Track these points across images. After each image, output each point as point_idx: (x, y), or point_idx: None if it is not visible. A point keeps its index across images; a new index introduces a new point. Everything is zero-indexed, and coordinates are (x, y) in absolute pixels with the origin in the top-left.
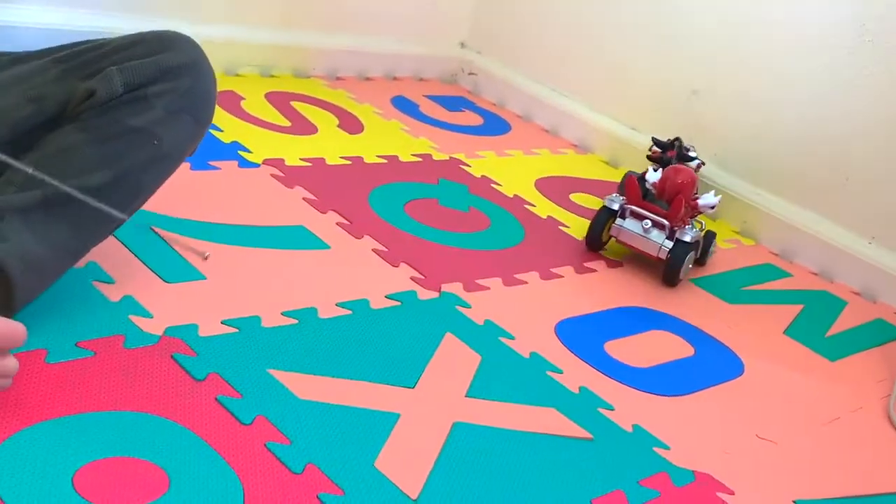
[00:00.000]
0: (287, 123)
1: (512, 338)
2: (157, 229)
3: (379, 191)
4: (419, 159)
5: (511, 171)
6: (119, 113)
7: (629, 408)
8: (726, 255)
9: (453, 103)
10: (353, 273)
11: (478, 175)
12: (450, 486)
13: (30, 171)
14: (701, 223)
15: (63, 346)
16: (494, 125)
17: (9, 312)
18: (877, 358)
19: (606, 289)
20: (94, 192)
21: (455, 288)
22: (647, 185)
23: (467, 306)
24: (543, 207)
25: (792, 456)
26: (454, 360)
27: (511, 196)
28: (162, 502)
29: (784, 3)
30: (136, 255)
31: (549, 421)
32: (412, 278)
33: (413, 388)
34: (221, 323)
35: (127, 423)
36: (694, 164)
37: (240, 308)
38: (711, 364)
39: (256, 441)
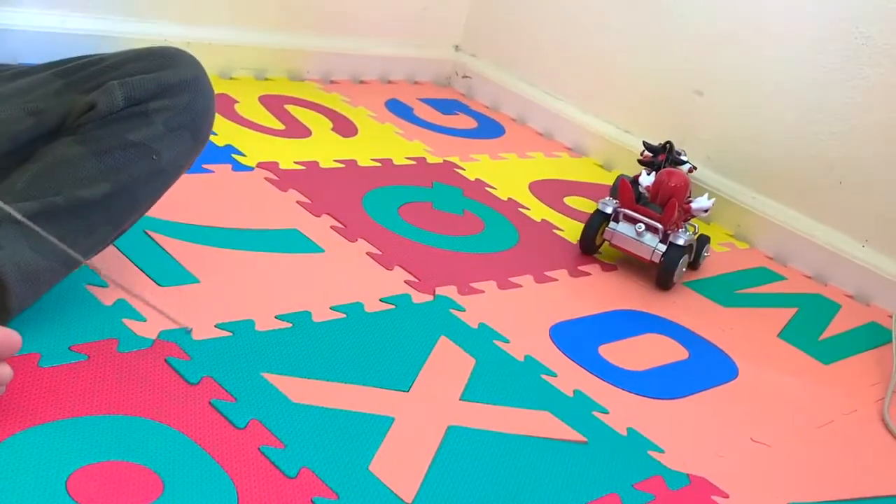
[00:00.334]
0: (281, 127)
1: (506, 341)
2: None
3: (373, 194)
4: (413, 162)
5: (505, 174)
6: (119, 127)
7: (623, 411)
8: (720, 259)
9: (447, 106)
10: (347, 276)
11: (472, 178)
12: (444, 490)
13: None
14: (694, 227)
15: (56, 350)
16: (488, 128)
17: (3, 320)
18: (870, 361)
19: (601, 292)
20: (92, 203)
21: (449, 291)
22: (641, 189)
23: (462, 309)
24: (537, 210)
25: (786, 459)
26: (448, 364)
27: (505, 199)
28: None
29: (778, 7)
30: (129, 259)
31: (543, 424)
32: (406, 282)
33: (407, 391)
34: (215, 326)
35: (121, 426)
36: (685, 167)
37: (234, 312)
38: (706, 367)
39: (250, 445)
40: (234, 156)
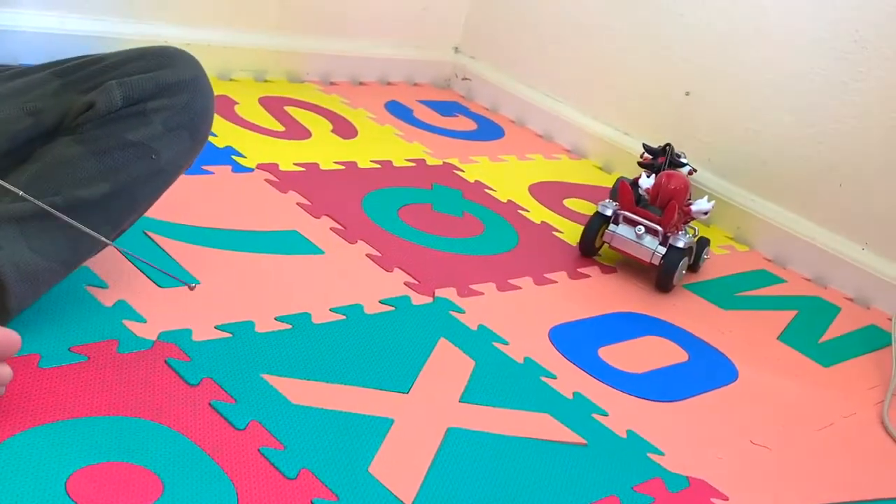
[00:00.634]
0: (281, 128)
1: (506, 343)
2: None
3: (372, 196)
4: (413, 164)
5: (505, 176)
6: (117, 127)
7: (623, 413)
8: (720, 261)
9: (447, 108)
10: (346, 278)
11: (471, 180)
12: (444, 492)
13: (20, 193)
14: (694, 229)
15: (56, 351)
16: (488, 130)
17: (2, 321)
18: (870, 364)
19: (600, 294)
20: (91, 203)
21: (449, 293)
22: (641, 191)
23: (461, 311)
24: (537, 213)
25: (785, 461)
26: (448, 366)
27: (505, 201)
28: None
29: (778, 9)
30: (129, 260)
31: (542, 426)
32: (406, 283)
33: (407, 393)
34: (215, 328)
35: (120, 427)
36: (685, 170)
37: (233, 313)
38: (705, 370)
39: (250, 446)
40: (233, 157)
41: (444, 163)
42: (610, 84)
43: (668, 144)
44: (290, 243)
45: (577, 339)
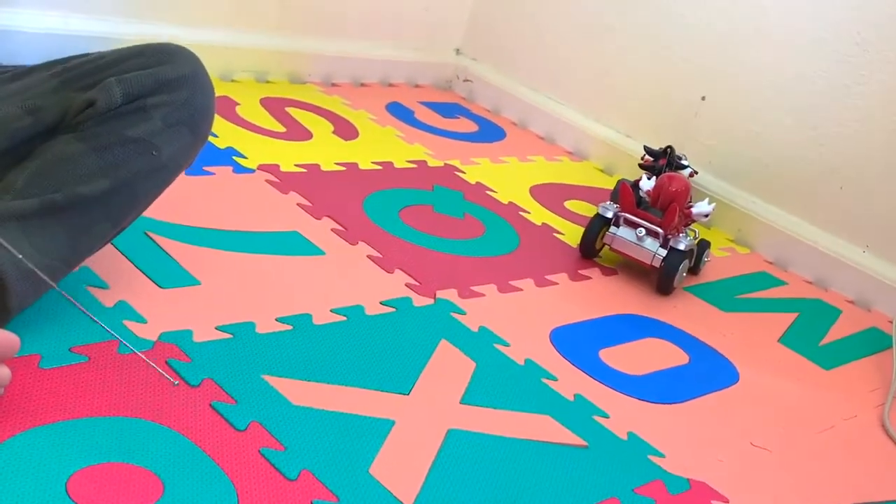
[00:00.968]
0: (282, 129)
1: (507, 345)
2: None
3: (374, 197)
4: (414, 166)
5: (506, 177)
6: (117, 123)
7: (624, 415)
8: (721, 263)
9: (448, 110)
10: (347, 279)
11: (472, 182)
12: (444, 493)
13: None
14: (695, 231)
15: (57, 352)
16: (489, 132)
17: (3, 320)
18: (871, 366)
19: (601, 296)
20: (92, 200)
21: (450, 294)
22: (641, 193)
23: (462, 313)
24: (538, 214)
25: (786, 464)
26: (449, 367)
27: (506, 203)
28: None
29: (779, 12)
30: (130, 261)
31: (543, 428)
32: (407, 285)
33: (408, 394)
34: (216, 329)
35: (121, 428)
36: (686, 172)
37: (234, 314)
38: (706, 372)
39: (251, 447)
40: (235, 158)
41: (445, 164)
42: (611, 86)
43: (669, 146)
44: (291, 244)
45: (578, 341)
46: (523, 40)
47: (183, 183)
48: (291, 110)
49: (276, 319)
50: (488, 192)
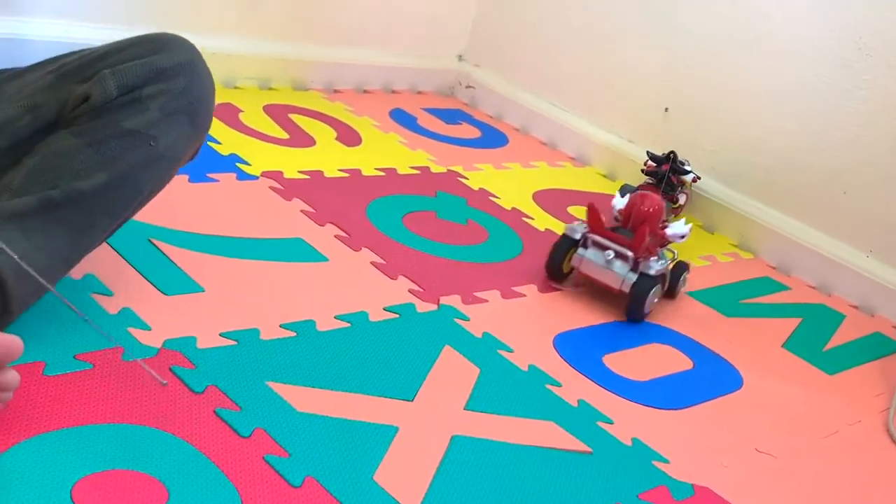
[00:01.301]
0: (285, 136)
1: (510, 350)
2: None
3: (377, 203)
4: (417, 172)
5: (509, 183)
6: (114, 116)
7: (628, 421)
8: (724, 268)
9: (451, 116)
10: (351, 286)
11: (476, 188)
12: (449, 500)
13: None
14: (673, 252)
15: (61, 359)
16: (492, 138)
17: (3, 324)
18: (875, 371)
19: (605, 302)
20: (90, 194)
21: (453, 300)
22: (614, 213)
23: (466, 319)
24: (541, 220)
25: (791, 469)
26: (453, 373)
27: (509, 209)
28: None
29: (781, 17)
30: (134, 267)
31: (548, 434)
32: (411, 291)
33: (412, 400)
34: (220, 335)
35: (125, 435)
36: (689, 177)
37: (238, 320)
38: (710, 377)
39: (255, 454)
40: (238, 165)
41: (448, 170)
42: (613, 92)
43: (672, 152)
44: (295, 251)
45: (582, 347)
46: (525, 47)
47: (187, 190)
48: (295, 117)
49: (280, 326)
50: (491, 198)
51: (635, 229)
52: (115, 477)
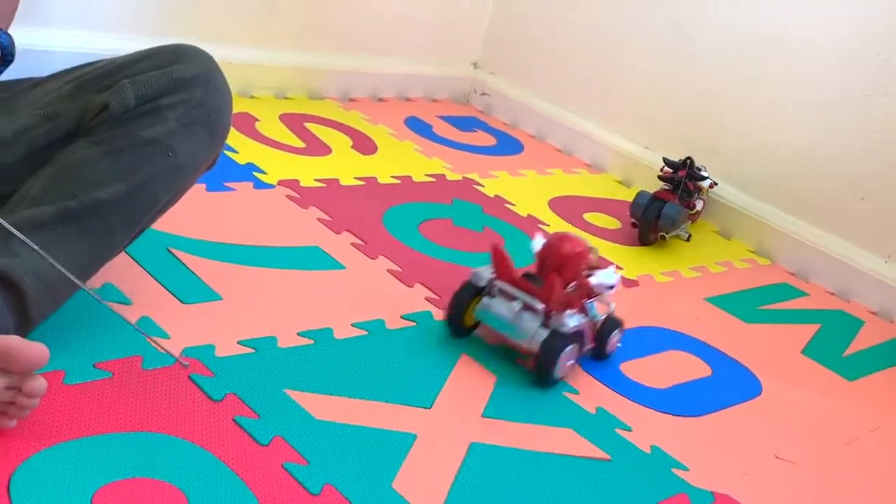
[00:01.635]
0: (301, 145)
1: (527, 358)
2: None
3: (393, 211)
4: (433, 179)
5: (524, 190)
6: (132, 125)
7: (647, 428)
8: (742, 275)
9: (466, 123)
10: (368, 293)
11: (491, 195)
12: None
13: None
14: (609, 305)
15: (81, 368)
16: (507, 145)
17: (24, 331)
18: (895, 377)
19: (622, 308)
20: (108, 204)
21: None
22: (534, 255)
23: None
24: (557, 227)
25: (811, 477)
26: (470, 381)
27: (525, 216)
28: None
29: (799, 23)
30: (152, 276)
31: (566, 441)
32: (427, 298)
33: (429, 408)
34: (238, 343)
35: (145, 443)
36: (706, 183)
37: (256, 328)
38: (729, 384)
39: (274, 461)
40: (255, 174)
41: (463, 178)
42: (629, 98)
43: (688, 158)
44: (312, 259)
45: None
46: (540, 54)
47: (204, 199)
48: (311, 126)
49: (298, 334)
50: (507, 206)
51: (555, 275)
52: (135, 485)
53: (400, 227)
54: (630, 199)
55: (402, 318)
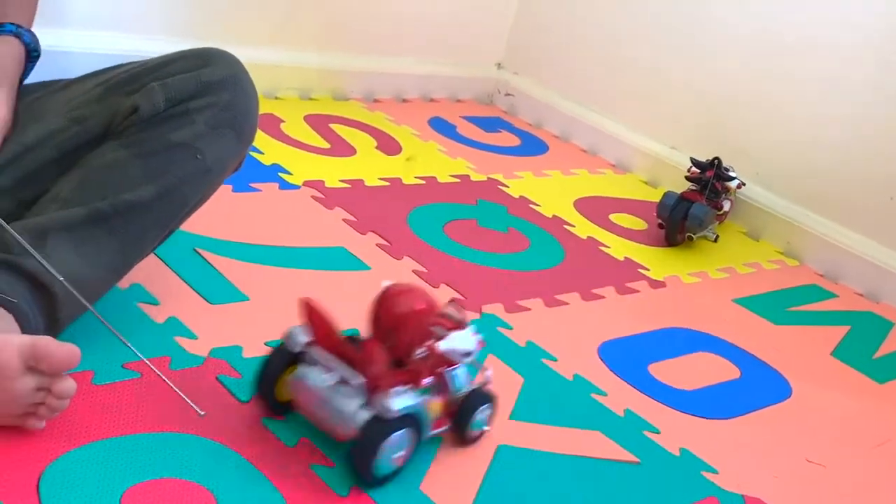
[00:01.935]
0: (326, 145)
1: (554, 359)
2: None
3: (418, 212)
4: (457, 180)
5: (549, 191)
6: (162, 128)
7: (675, 431)
8: (770, 276)
9: (490, 124)
10: None
11: (516, 195)
12: None
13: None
14: (486, 372)
15: (110, 368)
16: (532, 145)
17: (53, 332)
18: None
19: (649, 310)
20: (138, 206)
21: (496, 309)
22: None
23: (509, 327)
24: (583, 228)
25: (842, 479)
26: (497, 382)
27: (550, 216)
28: None
29: (826, 20)
30: (180, 277)
31: (594, 444)
32: (453, 299)
33: None
34: (265, 344)
35: (173, 444)
36: (734, 183)
37: (283, 329)
38: (758, 386)
39: (301, 463)
40: (280, 174)
41: (488, 178)
42: (655, 97)
43: (716, 158)
44: (337, 259)
45: (627, 356)
46: (564, 53)
47: (230, 199)
48: (335, 126)
49: None
50: (532, 206)
51: (376, 341)
52: (163, 485)
53: (425, 228)
54: (656, 199)
55: None
